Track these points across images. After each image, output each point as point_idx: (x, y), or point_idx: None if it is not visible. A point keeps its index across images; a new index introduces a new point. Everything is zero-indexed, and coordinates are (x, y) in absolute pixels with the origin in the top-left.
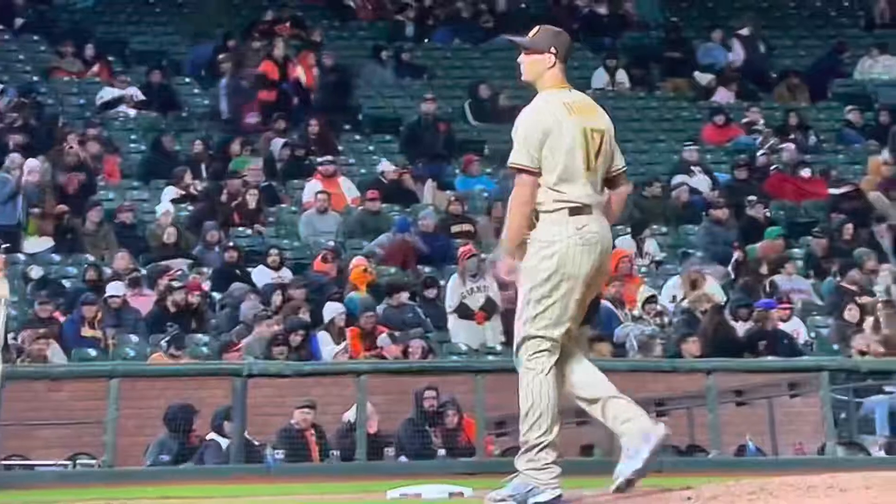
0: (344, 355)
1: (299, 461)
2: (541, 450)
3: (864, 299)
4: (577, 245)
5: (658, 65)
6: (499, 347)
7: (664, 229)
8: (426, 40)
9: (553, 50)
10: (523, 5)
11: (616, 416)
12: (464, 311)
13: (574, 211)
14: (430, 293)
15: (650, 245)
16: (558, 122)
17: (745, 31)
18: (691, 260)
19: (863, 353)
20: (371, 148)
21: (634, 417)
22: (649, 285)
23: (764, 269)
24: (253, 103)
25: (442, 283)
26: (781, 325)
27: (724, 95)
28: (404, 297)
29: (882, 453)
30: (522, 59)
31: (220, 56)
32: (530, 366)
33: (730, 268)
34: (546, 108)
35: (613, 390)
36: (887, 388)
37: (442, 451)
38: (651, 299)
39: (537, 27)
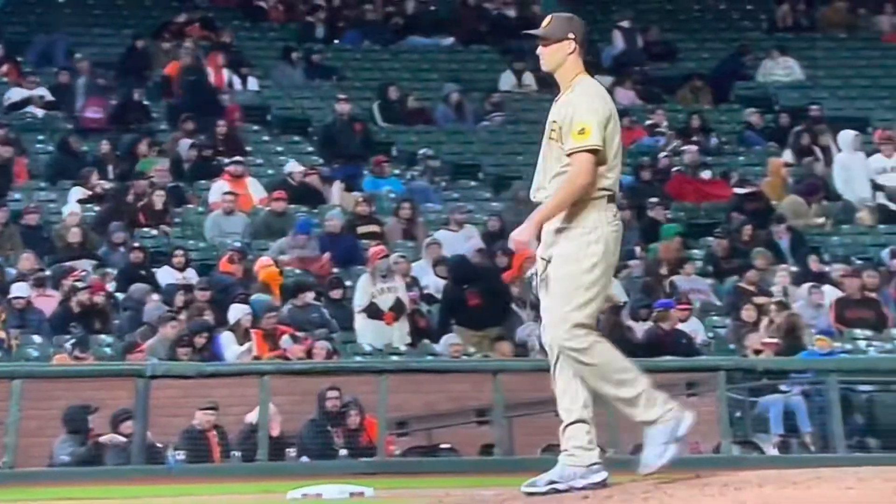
0: (248, 356)
1: (201, 462)
2: (587, 434)
3: (761, 299)
4: (613, 232)
5: None
6: (403, 348)
7: None
8: (336, 41)
9: (571, 35)
10: (432, 8)
11: None
12: (373, 312)
13: (611, 199)
14: (336, 294)
15: None
16: (614, 108)
17: (625, 24)
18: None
19: (758, 353)
20: (280, 149)
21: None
22: None
23: (664, 270)
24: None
25: (348, 283)
26: (680, 325)
27: (627, 97)
28: (309, 297)
29: (776, 452)
30: (541, 50)
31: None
32: (583, 359)
33: (634, 268)
34: (605, 93)
35: None
36: (782, 388)
37: (343, 452)
38: None
39: (550, 16)
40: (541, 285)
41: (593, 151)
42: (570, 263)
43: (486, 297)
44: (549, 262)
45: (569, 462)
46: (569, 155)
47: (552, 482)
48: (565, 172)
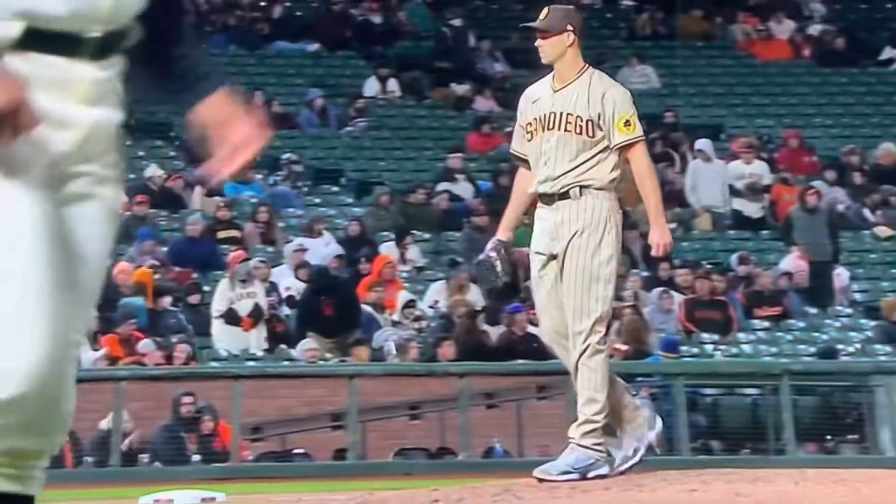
0: (103, 361)
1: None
2: (601, 427)
3: (614, 304)
4: (620, 223)
5: (428, 74)
6: (260, 353)
7: (427, 236)
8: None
9: (570, 27)
10: (298, 13)
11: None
12: (231, 317)
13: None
14: (194, 298)
15: (413, 251)
16: None
17: (457, 22)
18: (461, 267)
19: (609, 356)
20: (141, 153)
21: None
22: (410, 291)
23: (521, 274)
24: None
25: (206, 288)
26: (532, 330)
27: (486, 104)
28: (167, 302)
29: None
30: (540, 43)
31: None
32: (601, 348)
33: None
34: None
35: None
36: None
37: (197, 457)
38: (409, 304)
39: (547, 8)
40: (539, 283)
41: (643, 141)
42: (590, 257)
43: (340, 308)
44: (552, 258)
45: (583, 454)
46: (620, 148)
47: (566, 472)
48: (588, 162)
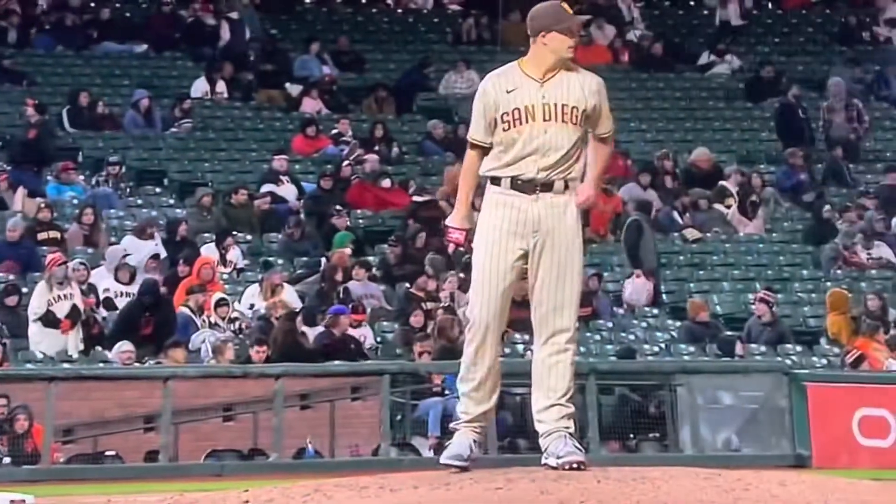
0: None
1: None
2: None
3: (430, 305)
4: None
5: (254, 75)
6: (76, 355)
7: (249, 237)
8: (29, 47)
9: (542, 32)
10: (127, 14)
11: None
12: (49, 319)
13: None
14: (11, 300)
15: (233, 252)
16: None
17: (234, 15)
18: (275, 268)
19: (420, 355)
20: None
21: None
22: (230, 292)
23: (339, 276)
24: None
25: (24, 290)
26: (351, 331)
27: (314, 106)
28: None
29: (431, 453)
30: (536, 43)
31: None
32: (575, 350)
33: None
34: None
35: None
36: (447, 391)
37: (7, 459)
38: (222, 302)
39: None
40: (501, 270)
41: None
42: (570, 250)
43: (159, 325)
44: (530, 249)
45: (573, 442)
46: (601, 136)
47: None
48: (574, 154)
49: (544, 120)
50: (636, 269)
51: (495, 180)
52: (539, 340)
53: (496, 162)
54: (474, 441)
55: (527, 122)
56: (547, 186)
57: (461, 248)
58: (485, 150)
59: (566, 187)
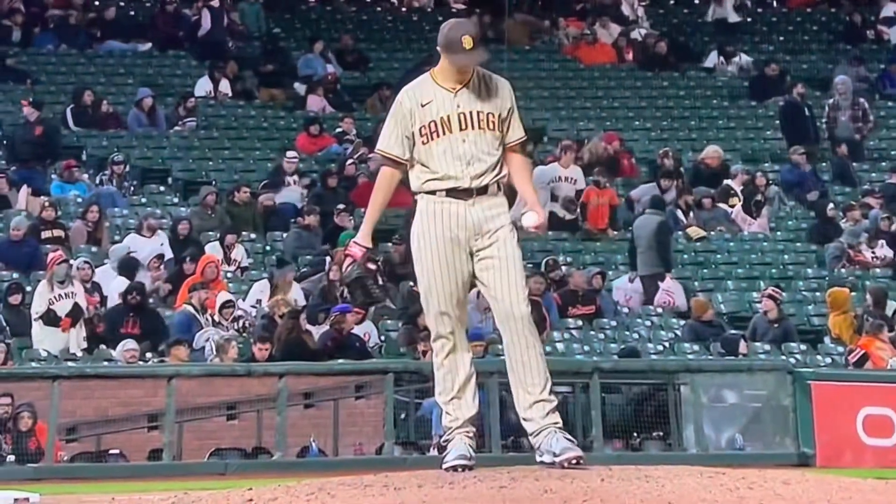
0: None
1: None
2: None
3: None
4: None
5: (257, 74)
6: (80, 353)
7: (253, 236)
8: (33, 46)
9: (439, 47)
10: (132, 13)
11: None
12: (50, 318)
13: None
14: (14, 299)
15: (238, 251)
16: None
17: (215, 3)
18: (290, 266)
19: (424, 354)
20: None
21: None
22: (234, 291)
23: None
24: None
25: (28, 288)
26: (355, 329)
27: (318, 104)
28: None
29: (435, 452)
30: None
31: None
32: (537, 334)
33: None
34: None
35: None
36: None
37: (11, 458)
38: (227, 304)
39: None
40: (462, 277)
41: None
42: (513, 245)
43: (144, 326)
44: (475, 251)
45: (565, 436)
46: (513, 144)
47: (570, 442)
48: (498, 157)
49: (461, 129)
50: (667, 272)
51: (430, 192)
52: (506, 334)
53: (428, 175)
54: (469, 446)
55: (444, 133)
56: (482, 191)
57: (355, 265)
58: (398, 165)
59: (499, 188)
